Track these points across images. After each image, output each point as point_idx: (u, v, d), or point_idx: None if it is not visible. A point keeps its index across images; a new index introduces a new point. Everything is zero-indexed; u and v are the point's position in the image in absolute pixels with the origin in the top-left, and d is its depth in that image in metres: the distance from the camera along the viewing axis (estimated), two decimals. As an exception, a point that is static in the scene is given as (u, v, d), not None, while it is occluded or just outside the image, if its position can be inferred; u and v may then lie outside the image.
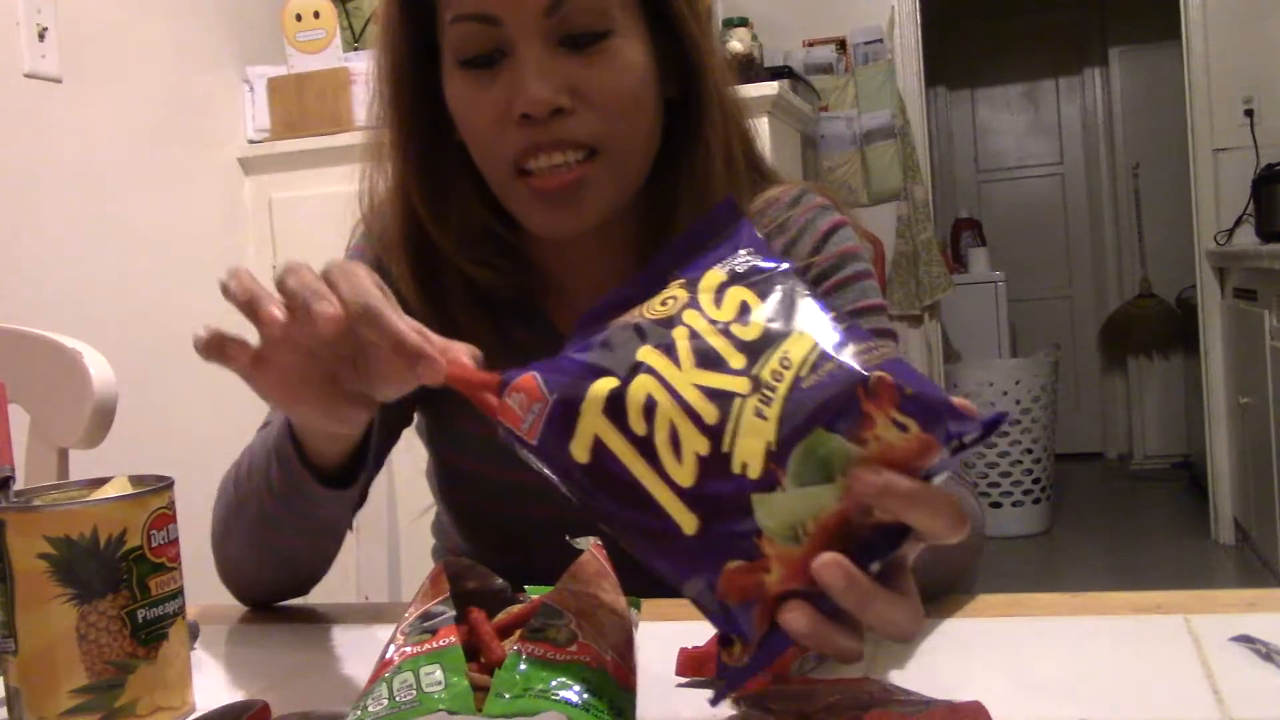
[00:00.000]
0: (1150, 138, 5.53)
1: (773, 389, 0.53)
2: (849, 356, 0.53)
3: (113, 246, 2.38)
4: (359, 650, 0.80)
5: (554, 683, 0.54)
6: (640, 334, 0.58)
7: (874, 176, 3.83)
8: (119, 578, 0.65)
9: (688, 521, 0.53)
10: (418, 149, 0.93)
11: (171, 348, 2.53)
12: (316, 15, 2.75)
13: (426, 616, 0.59)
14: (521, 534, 0.94)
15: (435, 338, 0.64)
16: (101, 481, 0.71)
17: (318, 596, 0.95)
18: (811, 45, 3.92)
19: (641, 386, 0.55)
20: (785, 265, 0.59)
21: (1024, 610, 0.80)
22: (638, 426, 0.55)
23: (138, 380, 2.29)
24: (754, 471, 0.52)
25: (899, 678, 0.63)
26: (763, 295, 0.57)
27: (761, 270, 0.59)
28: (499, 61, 0.86)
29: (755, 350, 0.55)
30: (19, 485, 0.96)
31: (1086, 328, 5.81)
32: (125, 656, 0.65)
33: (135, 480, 0.70)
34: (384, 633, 0.62)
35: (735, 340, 0.55)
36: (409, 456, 1.09)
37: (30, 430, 1.17)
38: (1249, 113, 3.95)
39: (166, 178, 2.57)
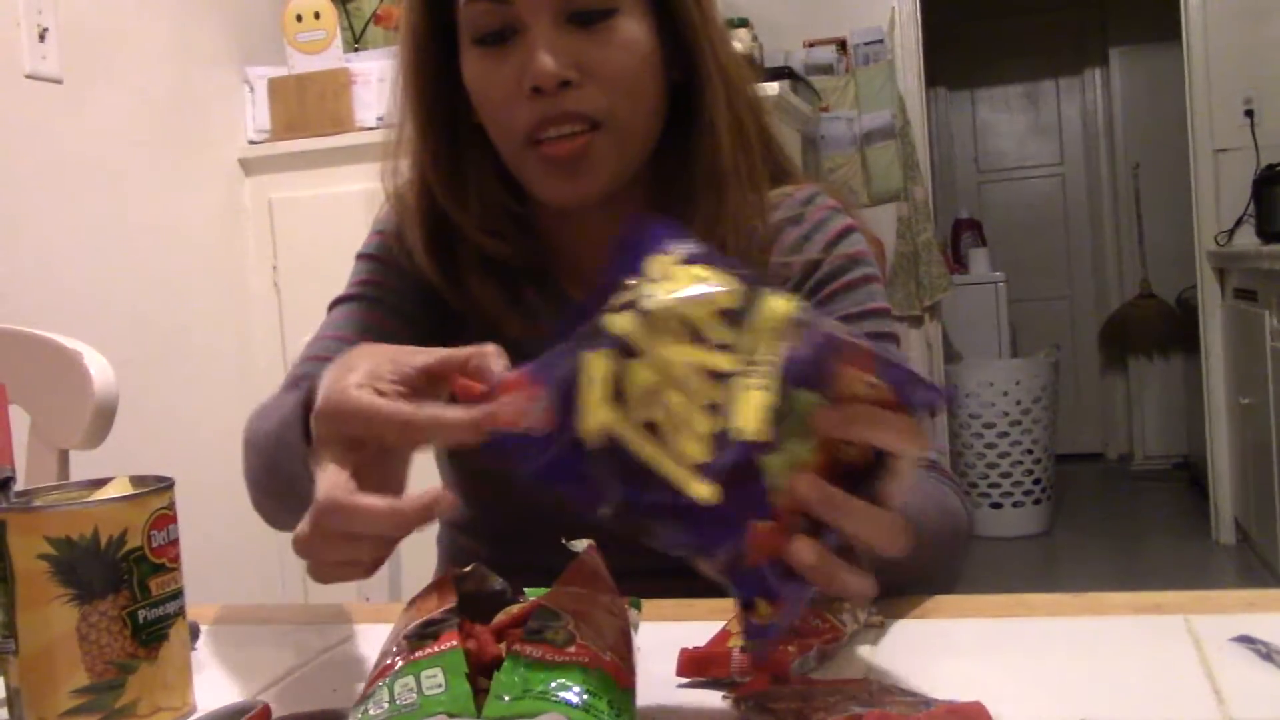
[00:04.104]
0: (1150, 138, 5.53)
1: (760, 359, 0.57)
2: (825, 325, 0.58)
3: (113, 247, 2.38)
4: (359, 650, 0.80)
5: (553, 684, 0.54)
6: (610, 314, 0.59)
7: (874, 177, 3.83)
8: (119, 578, 0.65)
9: (706, 492, 0.55)
10: (436, 133, 0.99)
11: (171, 348, 2.53)
12: (317, 16, 2.75)
13: (429, 623, 0.59)
14: (522, 490, 0.95)
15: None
16: (102, 482, 0.71)
17: (318, 596, 0.95)
18: (812, 46, 3.92)
19: (638, 371, 0.57)
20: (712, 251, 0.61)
21: (1024, 610, 0.80)
22: (641, 411, 0.56)
23: (138, 380, 2.29)
24: (757, 436, 0.55)
25: (899, 678, 0.63)
26: (713, 268, 0.60)
27: (702, 252, 0.61)
28: (511, 39, 0.92)
29: (733, 319, 0.58)
30: (19, 486, 0.96)
31: (1086, 328, 5.80)
32: (126, 657, 0.65)
33: (135, 481, 0.70)
34: (384, 632, 0.62)
35: (709, 310, 0.58)
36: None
37: (30, 431, 1.17)
38: (1249, 113, 3.95)
39: (166, 178, 2.57)
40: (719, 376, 0.57)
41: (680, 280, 0.59)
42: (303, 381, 0.93)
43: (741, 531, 0.55)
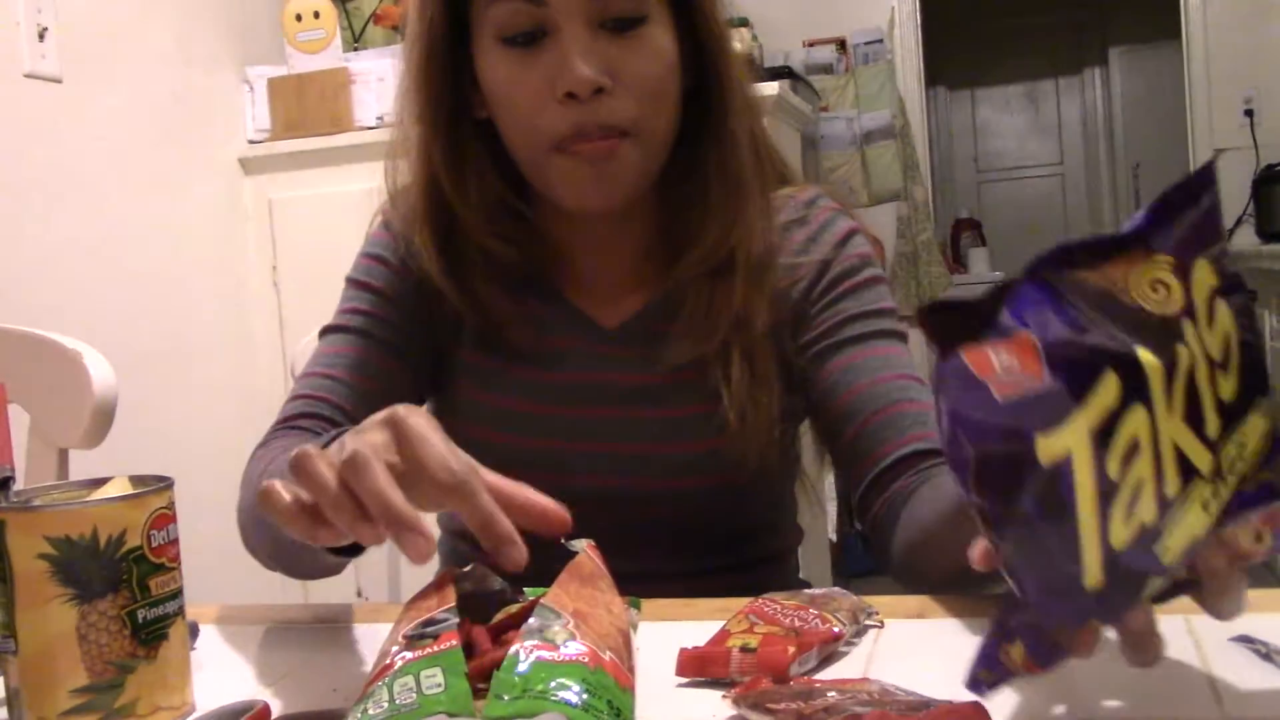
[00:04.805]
0: (1150, 138, 5.54)
1: (1224, 482, 0.52)
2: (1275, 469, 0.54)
3: (112, 246, 2.38)
4: (359, 650, 0.80)
5: (553, 683, 0.54)
6: (1138, 326, 0.51)
7: (874, 177, 3.83)
8: (119, 578, 0.65)
9: (1094, 577, 0.50)
10: (445, 129, 0.97)
11: (171, 348, 2.53)
12: (316, 15, 2.75)
13: (429, 623, 0.59)
14: None
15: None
16: (101, 481, 0.71)
17: (317, 596, 0.95)
18: (811, 45, 3.92)
19: (1134, 424, 0.50)
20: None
21: (1024, 610, 0.79)
22: (1112, 470, 0.49)
23: (138, 380, 2.28)
24: (1169, 558, 0.51)
25: (899, 678, 0.63)
26: (1243, 328, 0.54)
27: (1237, 282, 0.55)
28: (540, 41, 0.91)
29: (1228, 415, 0.52)
30: (19, 485, 0.96)
31: (1086, 328, 5.80)
32: (125, 656, 0.65)
33: (135, 480, 0.70)
34: (383, 632, 0.62)
35: (1217, 396, 0.52)
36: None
37: (30, 430, 1.17)
38: (1249, 113, 3.96)
39: (166, 178, 2.57)
40: (1189, 471, 0.51)
41: (1218, 321, 0.53)
42: (292, 431, 0.95)
43: (1080, 617, 0.52)
